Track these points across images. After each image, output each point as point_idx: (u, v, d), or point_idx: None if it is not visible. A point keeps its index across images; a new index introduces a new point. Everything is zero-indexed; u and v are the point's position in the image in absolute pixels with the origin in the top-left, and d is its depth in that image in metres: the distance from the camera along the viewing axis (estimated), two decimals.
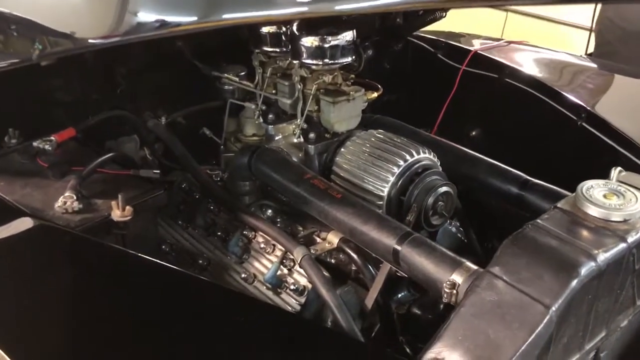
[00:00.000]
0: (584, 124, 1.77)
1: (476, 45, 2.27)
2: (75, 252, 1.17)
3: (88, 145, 1.64)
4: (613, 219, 1.01)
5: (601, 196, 1.05)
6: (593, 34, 3.58)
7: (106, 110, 1.73)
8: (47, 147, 1.50)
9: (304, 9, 1.00)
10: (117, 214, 1.33)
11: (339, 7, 0.99)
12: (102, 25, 1.20)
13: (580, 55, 2.81)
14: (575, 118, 1.79)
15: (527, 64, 2.15)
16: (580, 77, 2.20)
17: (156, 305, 1.04)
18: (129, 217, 1.33)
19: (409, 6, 1.14)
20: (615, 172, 1.14)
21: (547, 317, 0.88)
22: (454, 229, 1.61)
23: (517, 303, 0.91)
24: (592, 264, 0.93)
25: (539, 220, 1.03)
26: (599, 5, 3.38)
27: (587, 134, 1.75)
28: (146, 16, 1.11)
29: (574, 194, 1.08)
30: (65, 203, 1.33)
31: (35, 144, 1.50)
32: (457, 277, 1.06)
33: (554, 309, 0.89)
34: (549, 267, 0.93)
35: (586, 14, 3.75)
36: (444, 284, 1.07)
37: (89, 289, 1.08)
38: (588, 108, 1.78)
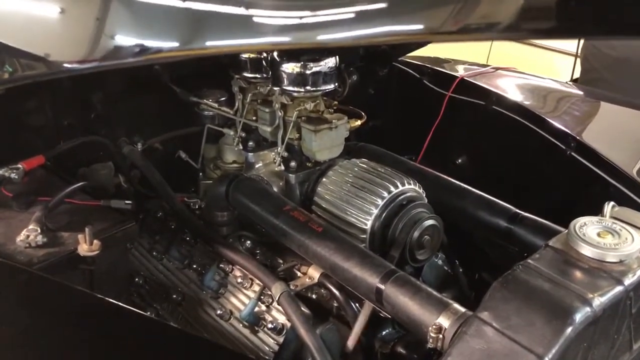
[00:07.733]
0: (573, 153, 1.72)
1: (462, 71, 2.24)
2: (31, 294, 1.08)
3: (58, 174, 1.56)
4: (608, 260, 0.95)
5: (595, 235, 0.99)
6: (579, 60, 3.59)
7: (79, 135, 1.66)
8: (13, 175, 1.43)
9: (286, 39, 0.95)
10: (84, 249, 1.25)
11: (321, 38, 0.95)
12: (78, 48, 1.14)
13: (566, 82, 2.79)
14: (564, 147, 1.75)
15: (513, 90, 2.11)
16: (567, 104, 2.17)
17: (118, 354, 0.96)
18: (96, 252, 1.25)
19: (391, 39, 1.11)
20: (608, 207, 1.08)
21: None
22: (440, 262, 1.55)
23: (508, 352, 0.85)
24: (588, 309, 0.87)
25: (530, 261, 0.97)
26: None
27: (576, 163, 1.71)
28: (125, 41, 1.05)
29: (566, 231, 1.02)
30: (28, 237, 1.25)
31: (0, 172, 1.43)
32: (444, 321, 1.00)
33: (547, 359, 0.82)
34: (542, 312, 0.87)
35: (572, 40, 3.76)
36: (430, 328, 1.00)
37: (43, 335, 0.99)
38: (577, 137, 1.74)
